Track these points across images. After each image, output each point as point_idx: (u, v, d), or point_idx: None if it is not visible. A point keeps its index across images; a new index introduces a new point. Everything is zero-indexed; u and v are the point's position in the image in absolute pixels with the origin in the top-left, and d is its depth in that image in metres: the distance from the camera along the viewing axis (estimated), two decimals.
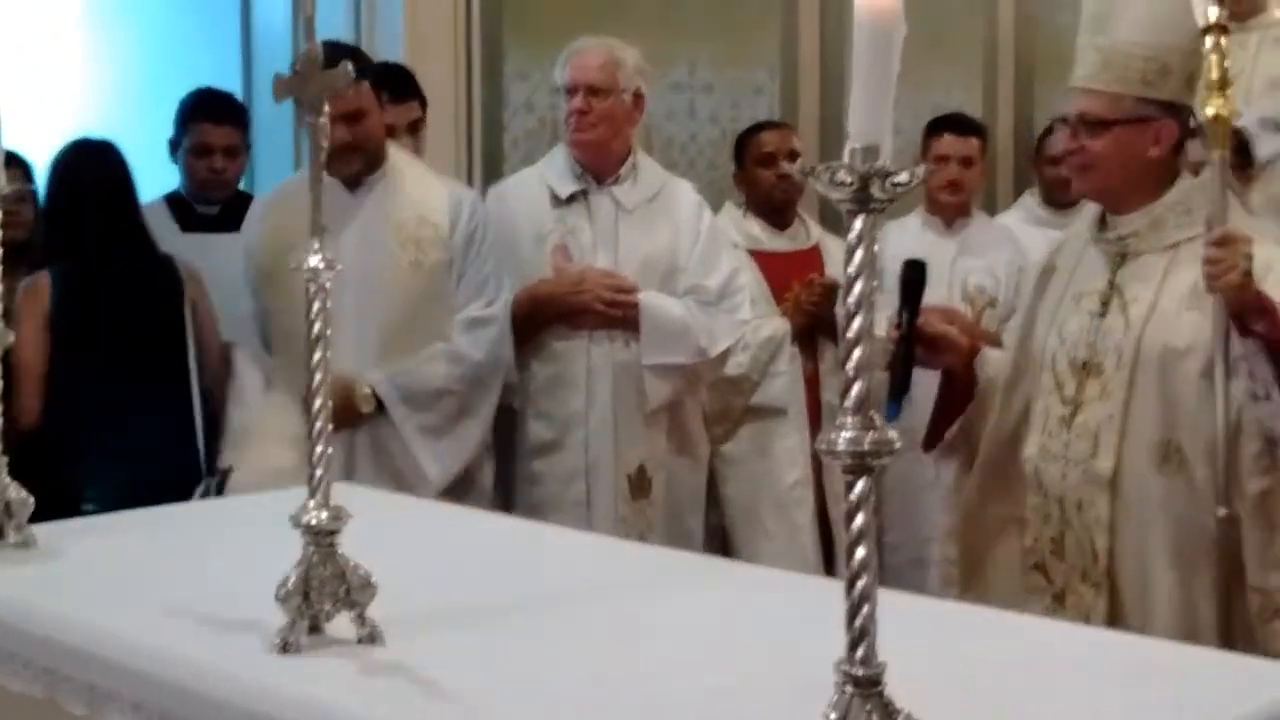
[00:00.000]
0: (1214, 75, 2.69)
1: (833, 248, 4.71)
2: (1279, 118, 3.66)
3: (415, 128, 4.18)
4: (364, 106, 3.69)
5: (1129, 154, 2.78)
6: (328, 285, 1.86)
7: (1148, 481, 2.76)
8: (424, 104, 4.24)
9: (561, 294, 3.93)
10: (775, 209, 4.70)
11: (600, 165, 4.02)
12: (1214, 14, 2.67)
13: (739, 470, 4.45)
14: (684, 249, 4.06)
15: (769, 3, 5.82)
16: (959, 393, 3.07)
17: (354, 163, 3.71)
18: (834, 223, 5.15)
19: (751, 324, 4.29)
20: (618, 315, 3.91)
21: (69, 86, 6.42)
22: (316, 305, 1.85)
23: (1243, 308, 2.62)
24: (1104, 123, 2.79)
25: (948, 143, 4.86)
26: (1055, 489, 2.85)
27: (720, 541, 4.40)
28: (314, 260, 1.86)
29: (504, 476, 4.02)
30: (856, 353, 1.29)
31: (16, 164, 4.73)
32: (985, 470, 3.06)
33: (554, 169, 4.07)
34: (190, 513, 2.88)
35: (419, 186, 3.83)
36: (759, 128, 4.90)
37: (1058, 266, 3.01)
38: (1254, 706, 1.66)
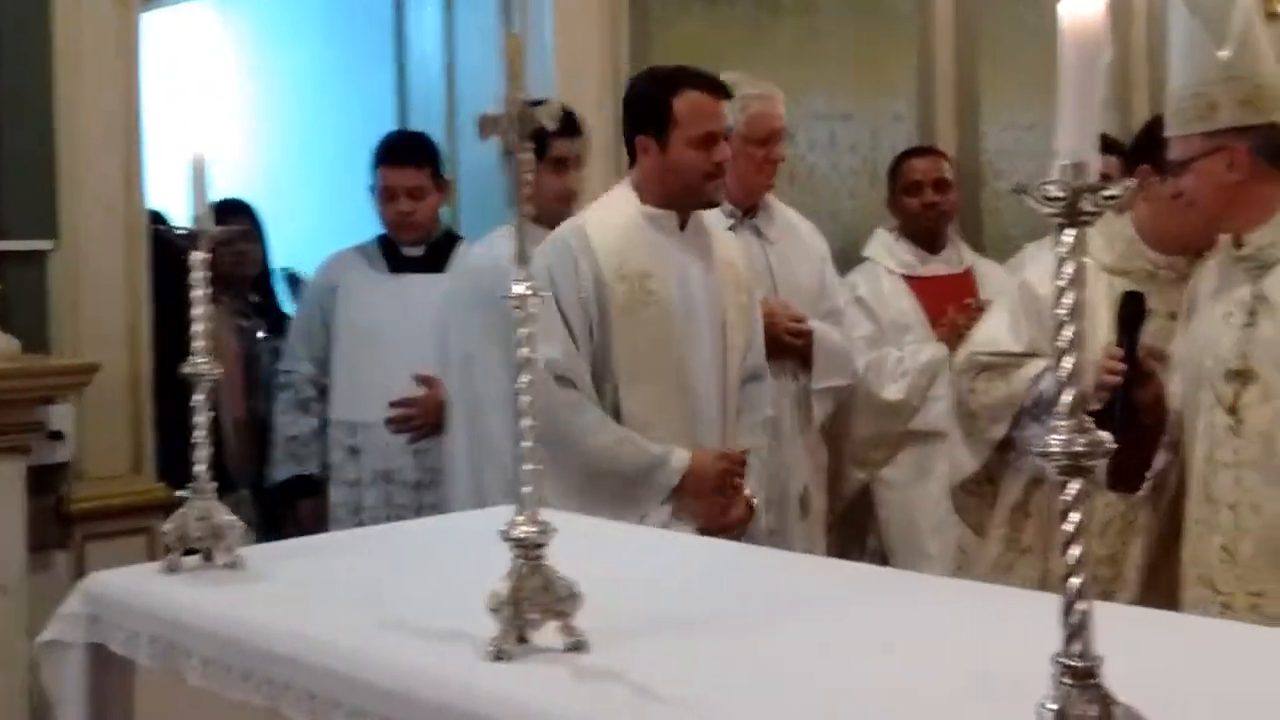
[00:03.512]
0: None
1: (985, 271, 4.75)
2: None
3: (580, 162, 4.31)
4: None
5: (1213, 183, 2.94)
6: (533, 311, 1.94)
7: None
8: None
9: None
10: (925, 234, 4.75)
11: (750, 200, 4.09)
12: None
13: (898, 494, 4.50)
14: (825, 273, 4.14)
15: (906, 30, 5.88)
16: (1149, 426, 3.09)
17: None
18: (983, 247, 5.20)
19: (909, 349, 4.34)
20: (800, 345, 3.98)
21: (229, 137, 6.67)
22: (523, 331, 1.94)
23: None
24: (1182, 163, 2.99)
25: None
26: (1227, 496, 2.89)
27: (880, 565, 4.44)
28: (519, 288, 1.94)
29: None
30: (1068, 360, 1.36)
31: (241, 209, 5.05)
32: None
33: None
34: (387, 535, 2.98)
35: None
36: (910, 154, 4.96)
37: (1200, 292, 3.12)
38: None
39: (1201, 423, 2.97)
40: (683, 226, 3.64)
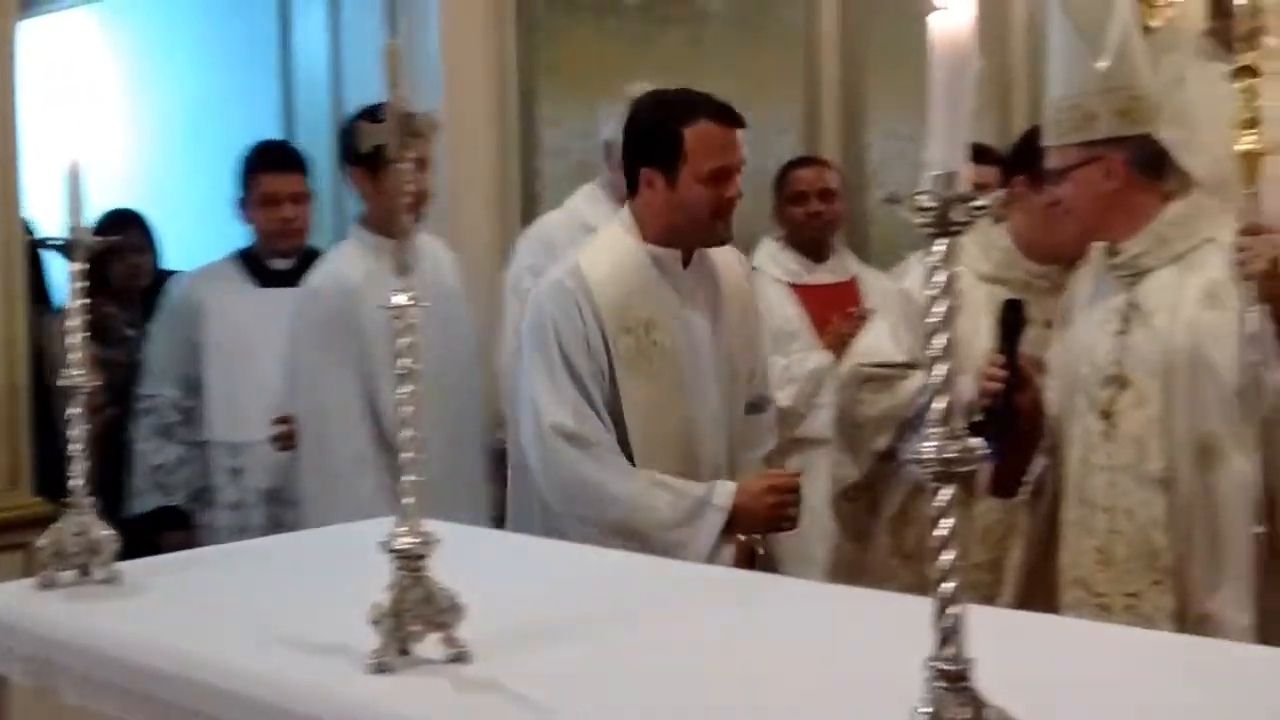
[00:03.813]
0: (1244, 115, 2.80)
1: (869, 280, 4.81)
2: None
3: (428, 163, 4.23)
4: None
5: (1090, 192, 3.00)
6: (414, 321, 1.94)
7: (1194, 478, 2.88)
8: None
9: None
10: (810, 244, 4.80)
11: None
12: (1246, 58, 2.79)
13: None
14: None
15: (790, 41, 5.92)
16: (1028, 432, 3.13)
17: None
18: (868, 256, 5.26)
19: (795, 357, 4.36)
20: None
21: (110, 150, 6.57)
22: (404, 341, 1.93)
23: (1273, 295, 2.74)
24: (1060, 172, 3.05)
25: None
26: (1102, 499, 2.96)
27: (770, 571, 4.46)
28: (400, 298, 1.94)
29: None
30: (939, 368, 1.38)
31: (132, 219, 4.96)
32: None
33: (599, 213, 4.00)
34: (265, 548, 2.96)
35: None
36: (796, 164, 5.00)
37: (1075, 300, 3.19)
38: None
39: (1077, 428, 3.04)
40: (686, 263, 3.37)
